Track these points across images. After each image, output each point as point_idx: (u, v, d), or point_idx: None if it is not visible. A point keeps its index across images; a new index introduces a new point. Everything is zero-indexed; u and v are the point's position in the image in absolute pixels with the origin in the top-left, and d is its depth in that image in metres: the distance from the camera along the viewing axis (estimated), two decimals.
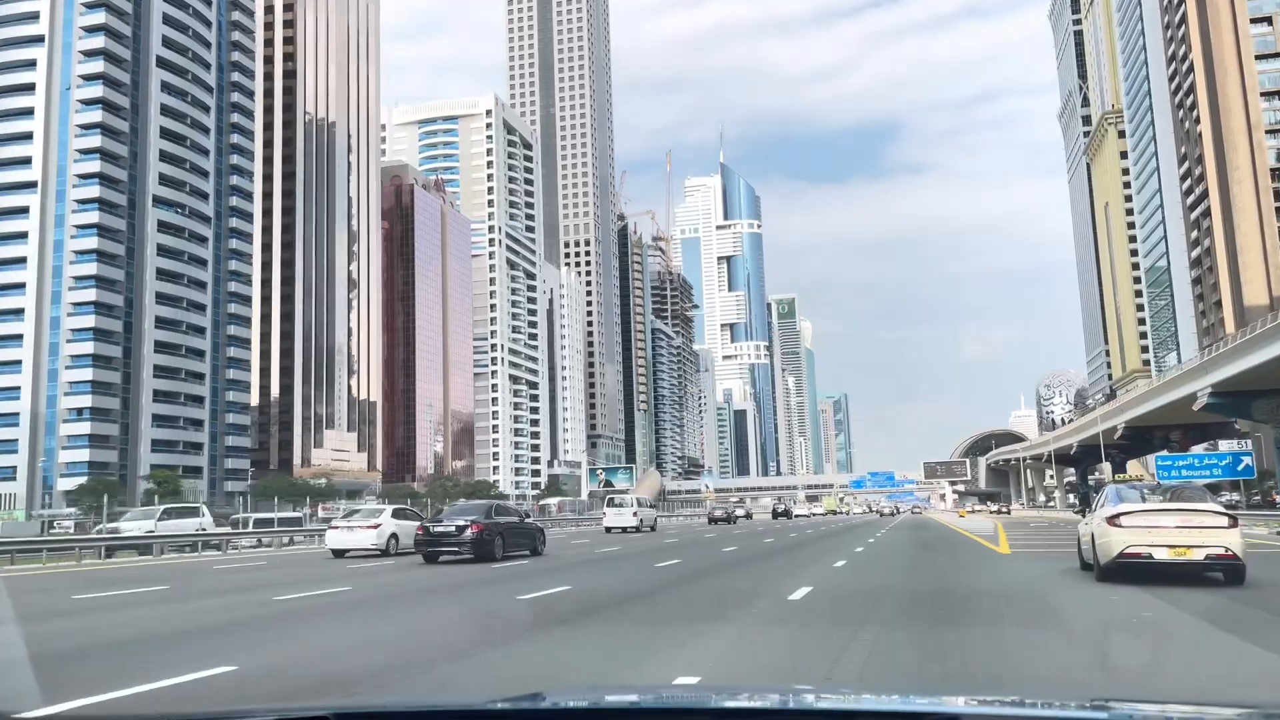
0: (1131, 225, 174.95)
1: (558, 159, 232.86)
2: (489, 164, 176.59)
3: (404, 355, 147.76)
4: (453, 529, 22.56)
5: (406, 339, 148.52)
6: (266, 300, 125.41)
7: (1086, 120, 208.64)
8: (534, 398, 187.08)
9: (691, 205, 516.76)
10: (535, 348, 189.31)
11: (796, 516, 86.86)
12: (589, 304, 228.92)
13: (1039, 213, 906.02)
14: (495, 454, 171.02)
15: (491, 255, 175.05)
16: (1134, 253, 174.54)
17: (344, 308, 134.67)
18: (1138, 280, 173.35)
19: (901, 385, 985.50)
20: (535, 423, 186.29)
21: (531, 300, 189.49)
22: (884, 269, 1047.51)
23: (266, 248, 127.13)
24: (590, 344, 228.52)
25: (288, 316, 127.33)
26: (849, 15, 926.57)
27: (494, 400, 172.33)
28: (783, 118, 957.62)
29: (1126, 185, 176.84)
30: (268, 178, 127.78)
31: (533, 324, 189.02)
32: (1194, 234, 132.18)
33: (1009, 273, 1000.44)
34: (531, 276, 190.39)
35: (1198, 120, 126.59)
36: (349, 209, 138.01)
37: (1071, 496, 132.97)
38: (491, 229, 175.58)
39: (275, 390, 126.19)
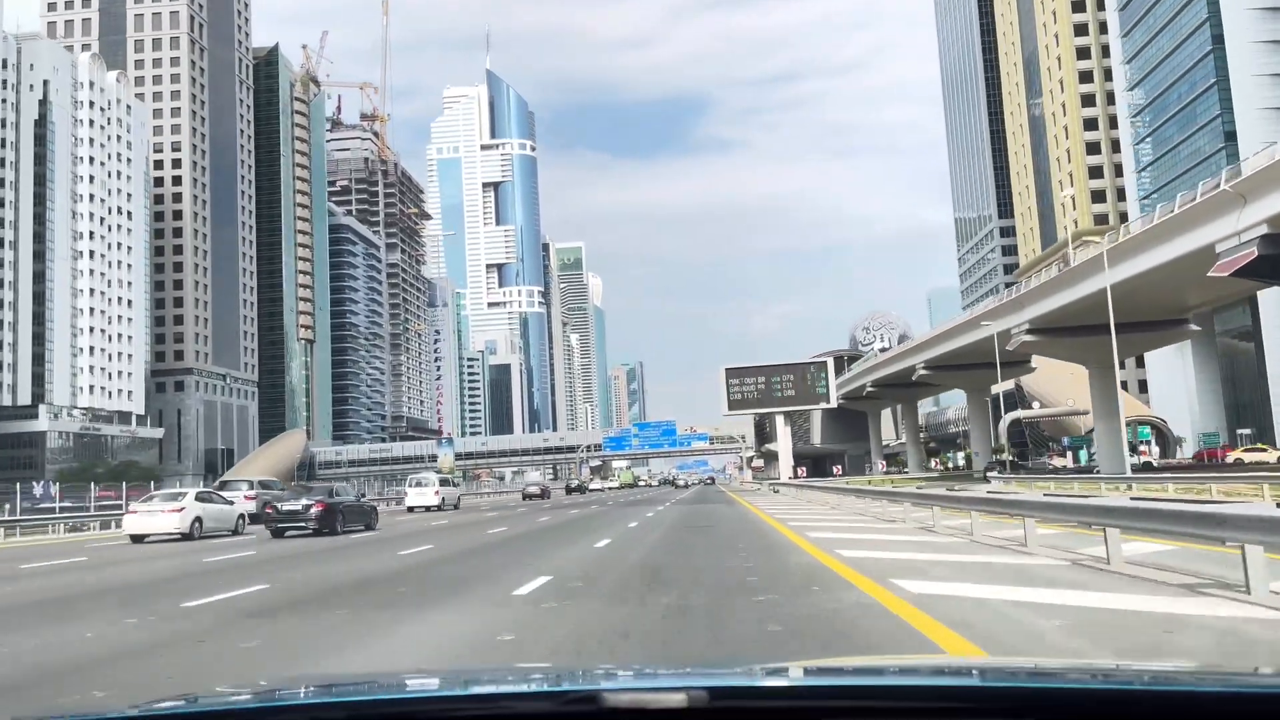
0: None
1: None
2: None
3: None
4: (299, 507, 25.17)
5: None
6: None
7: None
8: None
9: (451, 119, 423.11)
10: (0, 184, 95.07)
11: (590, 491, 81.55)
12: (175, 148, 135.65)
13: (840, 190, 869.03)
14: None
15: None
16: (1081, 29, 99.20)
17: None
18: (1088, 78, 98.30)
19: (704, 360, 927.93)
20: None
21: None
22: (689, 244, 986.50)
23: None
24: (178, 215, 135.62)
25: None
26: None
27: None
28: (592, 88, 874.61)
29: None
30: None
31: None
32: None
33: (812, 250, 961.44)
34: None
35: None
36: None
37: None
38: None
39: None
